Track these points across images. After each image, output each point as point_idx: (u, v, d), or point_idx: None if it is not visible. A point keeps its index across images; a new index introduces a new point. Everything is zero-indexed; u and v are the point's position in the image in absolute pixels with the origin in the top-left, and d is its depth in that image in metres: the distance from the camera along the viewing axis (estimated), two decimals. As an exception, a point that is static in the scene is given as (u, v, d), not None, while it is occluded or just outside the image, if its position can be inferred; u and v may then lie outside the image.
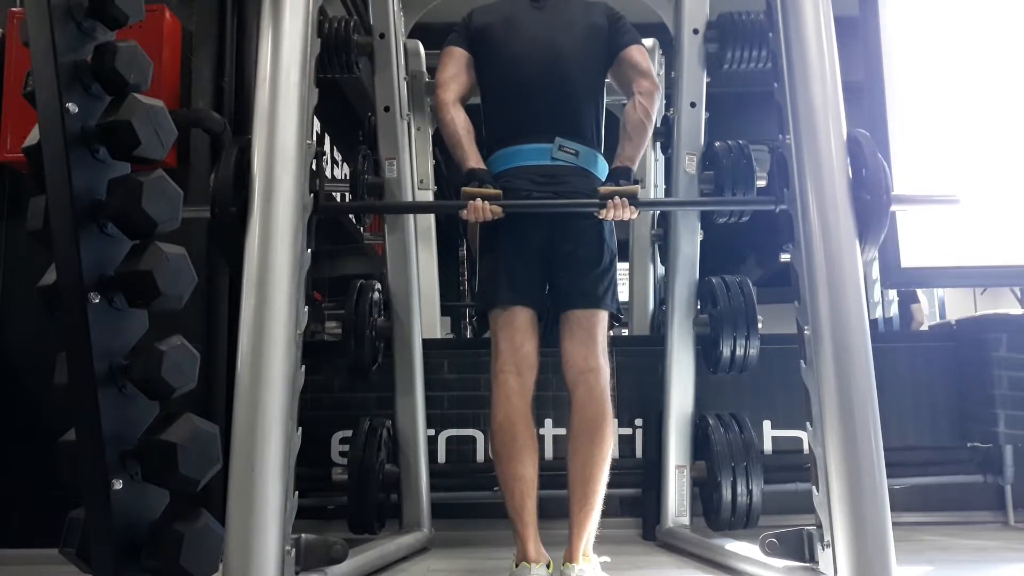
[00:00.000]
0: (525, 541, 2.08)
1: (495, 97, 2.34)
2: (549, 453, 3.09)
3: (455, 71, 2.32)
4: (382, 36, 2.91)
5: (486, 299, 2.26)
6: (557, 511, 2.42)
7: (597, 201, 2.13)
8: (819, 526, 1.80)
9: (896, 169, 3.44)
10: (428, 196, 4.42)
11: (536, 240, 2.19)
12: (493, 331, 2.25)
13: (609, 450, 2.12)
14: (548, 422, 3.11)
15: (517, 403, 2.15)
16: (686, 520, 2.71)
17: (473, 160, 2.21)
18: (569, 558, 2.07)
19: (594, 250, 2.20)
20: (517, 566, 2.07)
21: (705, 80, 2.88)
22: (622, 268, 4.98)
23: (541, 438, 3.07)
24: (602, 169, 2.28)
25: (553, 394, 2.84)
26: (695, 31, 2.85)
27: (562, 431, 3.03)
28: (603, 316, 2.21)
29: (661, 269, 3.73)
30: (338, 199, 5.19)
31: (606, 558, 2.18)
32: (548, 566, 2.08)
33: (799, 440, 3.11)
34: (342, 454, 3.06)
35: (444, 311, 5.12)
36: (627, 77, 2.29)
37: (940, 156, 3.51)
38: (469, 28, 2.36)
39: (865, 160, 1.97)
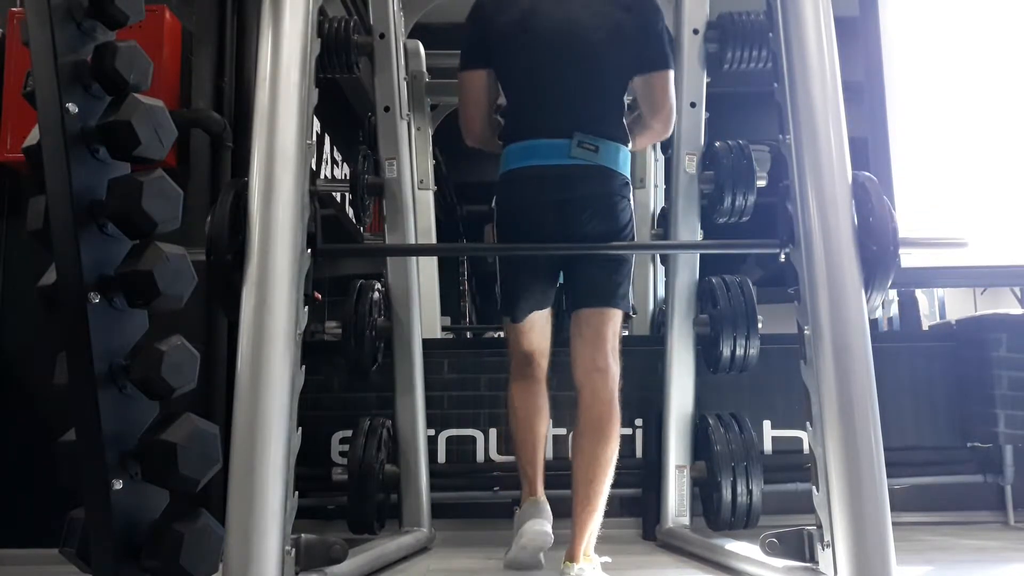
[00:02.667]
0: (533, 482, 2.23)
1: (514, 89, 2.24)
2: (549, 453, 3.08)
3: (481, 106, 2.26)
4: (382, 36, 2.91)
5: (504, 307, 2.32)
6: (555, 511, 2.43)
7: (603, 245, 2.15)
8: (819, 526, 1.80)
9: (897, 172, 3.46)
10: (428, 196, 4.42)
11: (550, 240, 2.17)
12: (509, 328, 2.35)
13: (614, 452, 2.13)
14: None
15: (535, 373, 2.30)
16: (686, 520, 2.71)
17: None
18: (570, 557, 2.08)
19: (608, 259, 2.20)
20: (523, 503, 2.23)
21: (705, 80, 2.88)
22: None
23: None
24: (623, 162, 2.19)
25: (553, 394, 2.83)
26: (695, 31, 2.86)
27: (562, 431, 3.03)
28: (614, 315, 2.19)
29: (661, 269, 3.74)
30: (338, 198, 5.20)
31: (607, 558, 2.19)
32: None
33: (799, 440, 3.11)
34: (342, 454, 3.06)
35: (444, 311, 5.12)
36: (641, 104, 2.25)
37: (941, 156, 3.52)
38: (481, 31, 2.23)
39: (872, 207, 1.93)
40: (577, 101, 2.16)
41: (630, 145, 2.25)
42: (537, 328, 2.30)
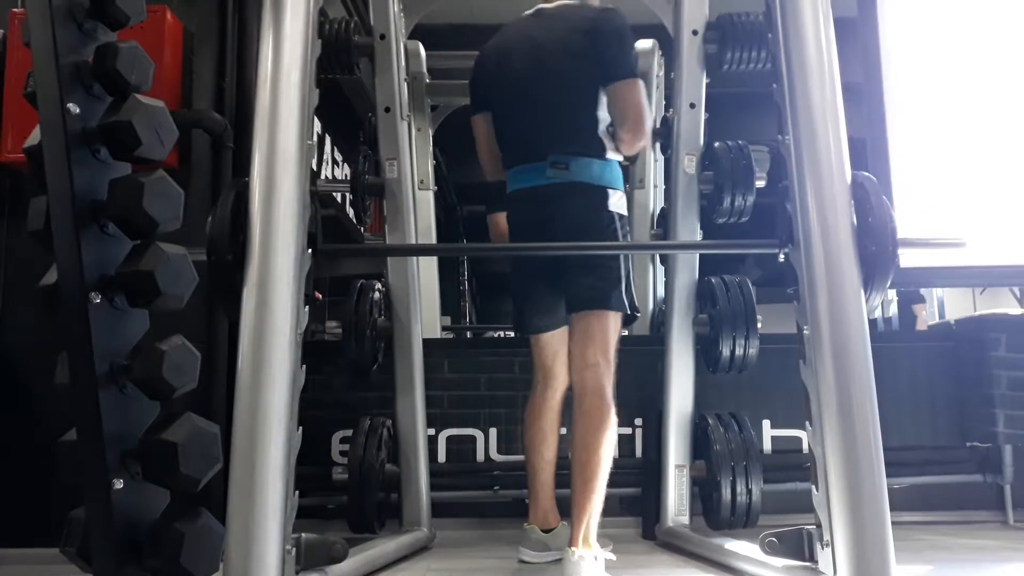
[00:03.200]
0: (531, 506, 2.47)
1: (499, 122, 2.45)
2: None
3: (486, 146, 2.50)
4: (383, 37, 2.92)
5: (517, 322, 2.52)
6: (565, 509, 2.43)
7: (597, 244, 2.26)
8: (818, 525, 1.80)
9: (895, 172, 3.47)
10: (428, 196, 4.43)
11: (539, 255, 2.39)
12: (531, 343, 2.52)
13: (606, 440, 2.19)
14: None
15: (549, 393, 2.47)
16: (686, 519, 2.71)
17: None
18: (570, 543, 2.15)
19: (594, 262, 2.29)
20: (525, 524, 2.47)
21: (704, 81, 2.89)
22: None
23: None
24: (600, 173, 2.30)
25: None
26: (694, 32, 2.86)
27: (562, 430, 3.03)
28: (603, 316, 2.27)
29: (661, 269, 3.74)
30: (338, 199, 5.21)
31: (612, 555, 2.21)
32: (548, 531, 2.42)
33: (799, 439, 3.11)
34: (342, 454, 3.06)
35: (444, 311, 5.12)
36: (612, 116, 2.32)
37: (940, 156, 3.52)
38: (478, 78, 2.48)
39: (871, 207, 1.93)
40: (548, 125, 2.32)
41: (612, 155, 2.33)
42: (553, 345, 2.46)
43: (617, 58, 2.28)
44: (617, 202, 2.32)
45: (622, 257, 2.32)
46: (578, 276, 2.30)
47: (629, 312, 2.32)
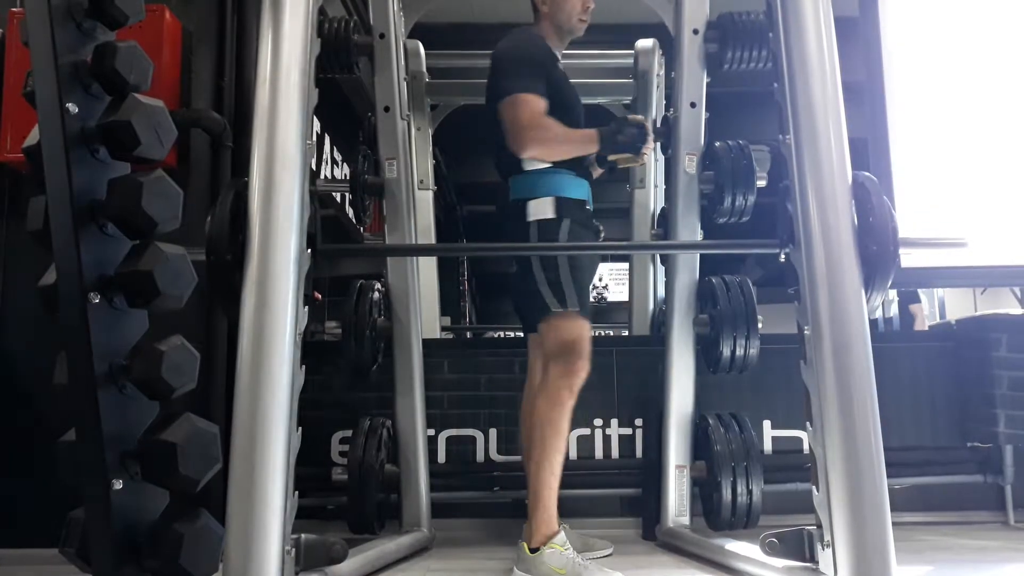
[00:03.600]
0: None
1: None
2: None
3: None
4: (382, 36, 2.91)
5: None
6: (568, 510, 2.43)
7: (577, 244, 2.37)
8: (819, 526, 1.80)
9: (897, 172, 3.47)
10: (428, 196, 4.42)
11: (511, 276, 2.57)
12: None
13: (542, 441, 2.25)
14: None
15: (526, 406, 2.56)
16: (686, 520, 2.71)
17: None
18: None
19: (518, 276, 2.43)
20: None
21: (705, 80, 2.88)
22: (622, 268, 4.95)
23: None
24: (520, 186, 2.41)
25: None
26: (695, 31, 2.85)
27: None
28: (547, 327, 2.34)
29: (661, 269, 3.74)
30: (338, 198, 5.20)
31: (560, 553, 2.15)
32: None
33: (799, 440, 3.11)
34: (342, 454, 3.06)
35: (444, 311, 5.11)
36: None
37: (941, 156, 3.52)
38: None
39: (872, 207, 1.94)
40: (500, 156, 2.46)
41: (532, 164, 2.38)
42: (534, 343, 2.55)
43: (494, 83, 2.39)
44: (537, 209, 2.37)
45: (534, 260, 2.33)
46: (514, 296, 2.49)
47: (564, 309, 2.29)
